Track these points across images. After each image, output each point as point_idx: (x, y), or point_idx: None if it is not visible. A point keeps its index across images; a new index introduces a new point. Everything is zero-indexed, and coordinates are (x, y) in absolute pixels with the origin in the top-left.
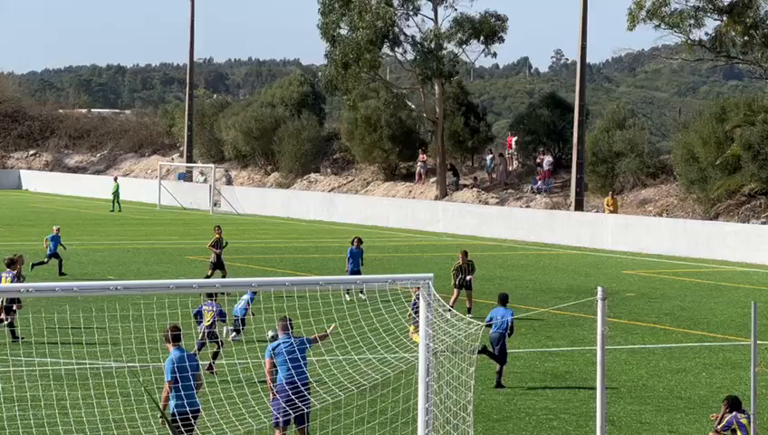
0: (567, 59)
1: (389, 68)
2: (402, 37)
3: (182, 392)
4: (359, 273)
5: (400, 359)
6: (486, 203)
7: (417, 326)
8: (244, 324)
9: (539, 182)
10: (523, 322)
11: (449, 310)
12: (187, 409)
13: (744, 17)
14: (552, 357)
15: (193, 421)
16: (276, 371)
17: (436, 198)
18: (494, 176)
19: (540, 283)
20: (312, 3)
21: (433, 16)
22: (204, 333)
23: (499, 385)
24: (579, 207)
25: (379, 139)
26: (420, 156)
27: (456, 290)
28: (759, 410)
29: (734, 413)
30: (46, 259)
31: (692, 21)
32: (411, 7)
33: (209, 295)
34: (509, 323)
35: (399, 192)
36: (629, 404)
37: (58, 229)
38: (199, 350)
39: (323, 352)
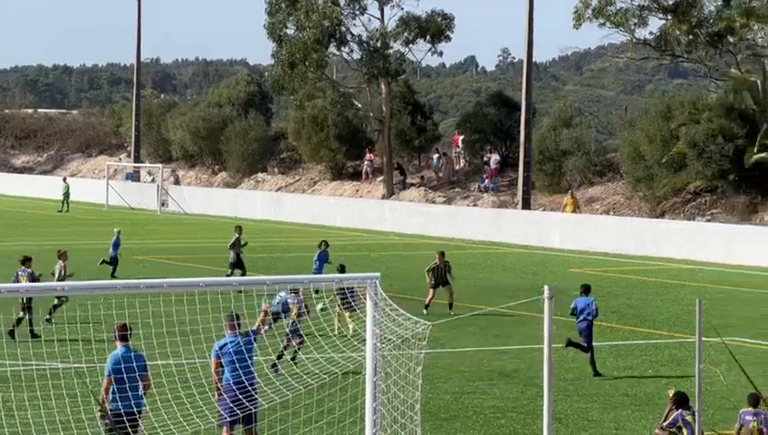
0: (514, 57)
1: (336, 67)
2: (349, 37)
3: (126, 392)
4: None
5: (348, 358)
6: (433, 202)
7: (344, 313)
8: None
9: (486, 181)
10: (470, 320)
11: (396, 309)
12: (133, 409)
13: (688, 16)
14: (500, 355)
15: (138, 421)
16: (223, 370)
17: (383, 198)
18: (441, 175)
19: (487, 281)
20: (258, 3)
21: (379, 15)
22: (290, 324)
23: (597, 374)
24: (526, 205)
25: (325, 138)
26: (367, 155)
27: (431, 290)
28: (704, 407)
29: (680, 410)
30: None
31: (637, 20)
32: (358, 7)
33: (294, 291)
34: (594, 310)
35: (346, 191)
36: (576, 402)
37: (119, 231)
38: (286, 347)
39: (271, 352)
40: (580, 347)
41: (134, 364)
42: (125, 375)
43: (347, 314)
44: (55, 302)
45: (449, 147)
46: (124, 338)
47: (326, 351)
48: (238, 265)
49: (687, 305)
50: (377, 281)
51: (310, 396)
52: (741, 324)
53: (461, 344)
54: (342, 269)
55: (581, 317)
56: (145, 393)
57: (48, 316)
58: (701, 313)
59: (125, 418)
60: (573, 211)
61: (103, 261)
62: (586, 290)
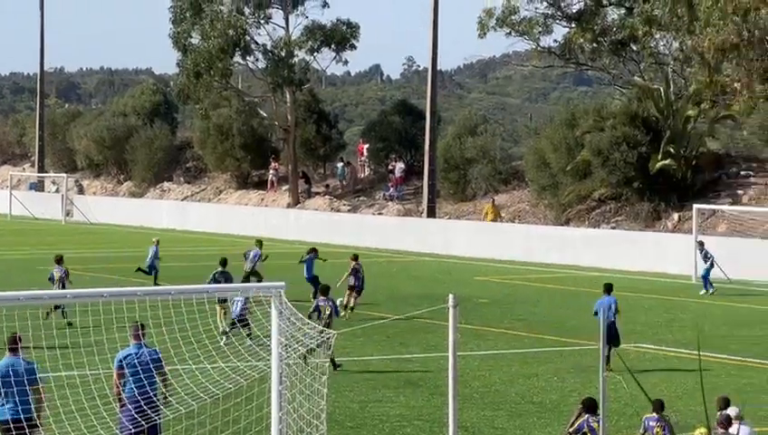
0: (419, 66)
1: (241, 76)
2: (254, 46)
3: (15, 400)
4: (314, 280)
5: (253, 367)
6: (338, 210)
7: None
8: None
9: (391, 189)
10: (375, 329)
11: (300, 318)
12: (20, 416)
13: (592, 25)
14: (406, 364)
15: (26, 430)
16: (125, 381)
17: (289, 206)
18: (345, 183)
19: (392, 290)
20: (163, 12)
21: (284, 24)
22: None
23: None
24: (431, 213)
25: (231, 147)
26: (272, 164)
27: (349, 292)
28: (609, 413)
29: (586, 416)
30: (148, 269)
31: (541, 28)
32: (262, 15)
33: (324, 292)
34: (615, 308)
35: (252, 200)
36: (482, 410)
37: (157, 241)
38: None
39: (176, 362)
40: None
41: (24, 377)
42: (18, 384)
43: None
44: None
45: (354, 155)
46: (14, 349)
47: (231, 360)
48: (255, 277)
49: (592, 313)
50: (281, 290)
51: (215, 406)
52: (645, 331)
53: (367, 353)
54: (609, 289)
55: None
56: (40, 403)
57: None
58: (605, 320)
59: (11, 425)
60: (494, 220)
61: (140, 269)
62: (608, 289)
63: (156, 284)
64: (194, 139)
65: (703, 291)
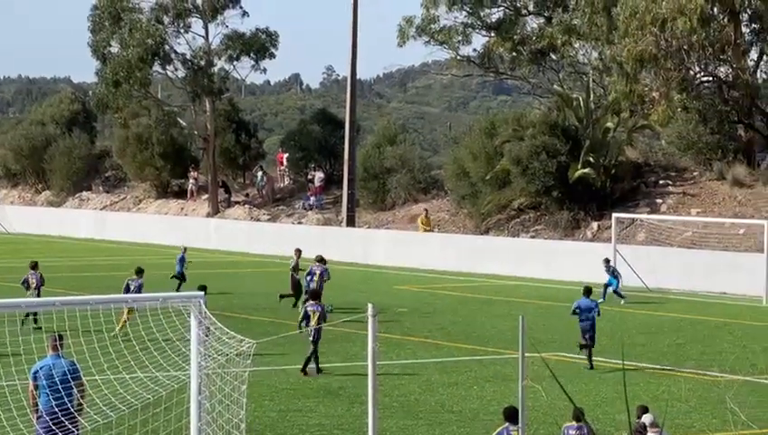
0: (338, 75)
1: (161, 85)
2: (173, 55)
3: None
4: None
5: (172, 377)
6: (258, 220)
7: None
8: None
9: (310, 198)
10: (294, 338)
11: (220, 327)
12: None
13: (511, 34)
14: (325, 373)
15: None
16: (41, 392)
17: (208, 215)
18: (263, 193)
19: None
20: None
21: (204, 33)
22: (313, 332)
23: (591, 367)
24: (350, 222)
25: (150, 156)
26: (192, 173)
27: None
28: (528, 422)
29: (506, 425)
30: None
31: (461, 37)
32: (182, 25)
33: (314, 297)
34: (597, 310)
35: (172, 209)
36: (402, 419)
37: (184, 249)
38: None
39: (94, 372)
40: (586, 347)
41: None
42: None
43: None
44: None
45: (274, 165)
46: None
47: (150, 370)
48: (296, 287)
49: (512, 321)
50: (201, 300)
51: (134, 416)
52: (563, 339)
53: (286, 362)
54: (588, 292)
55: (584, 317)
56: None
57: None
58: (524, 329)
59: None
60: (426, 230)
61: (174, 276)
62: (587, 292)
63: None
64: (113, 148)
65: (601, 300)
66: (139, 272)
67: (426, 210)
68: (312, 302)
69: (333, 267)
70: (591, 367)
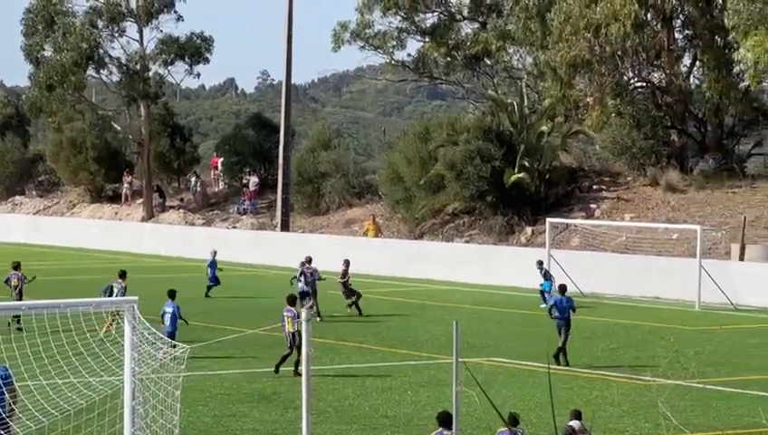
0: (273, 79)
1: (95, 90)
2: (107, 59)
3: None
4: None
5: (106, 383)
6: (193, 224)
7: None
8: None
9: (245, 203)
10: (229, 343)
11: (154, 333)
12: None
13: (446, 39)
14: (260, 378)
15: None
16: None
17: (143, 220)
18: (197, 197)
19: (247, 303)
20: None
21: (138, 38)
22: (288, 338)
23: (567, 363)
24: (285, 227)
25: (84, 160)
26: (126, 177)
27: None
28: (462, 427)
29: (440, 429)
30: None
31: (396, 42)
32: (116, 29)
33: (290, 302)
34: (572, 307)
35: (106, 214)
36: (336, 424)
37: (214, 253)
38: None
39: (26, 378)
40: (562, 348)
41: None
42: None
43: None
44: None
45: (209, 169)
46: None
47: (83, 375)
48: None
49: (446, 326)
50: (134, 305)
51: (67, 422)
52: (498, 344)
53: (220, 367)
54: (564, 290)
55: (560, 315)
56: None
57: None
58: (458, 334)
59: None
60: (375, 236)
61: (211, 284)
62: (563, 290)
63: (207, 295)
64: (47, 152)
65: (543, 305)
66: (122, 275)
67: (373, 216)
68: (288, 307)
69: (267, 272)
70: (567, 363)
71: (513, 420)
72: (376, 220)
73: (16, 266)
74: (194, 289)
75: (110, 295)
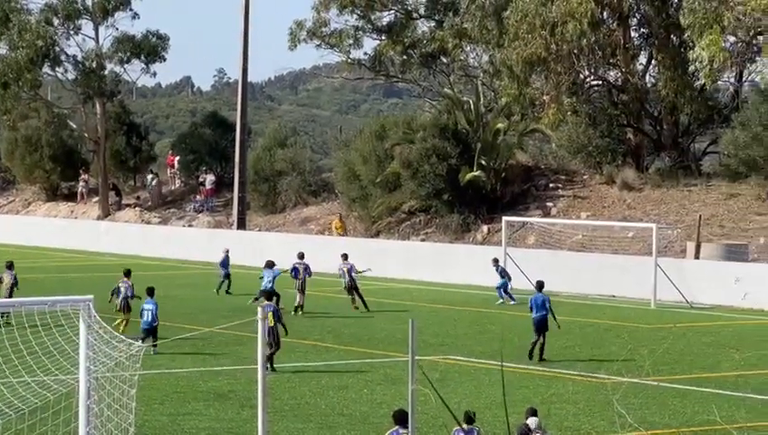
0: (229, 78)
1: (51, 87)
2: (63, 57)
3: None
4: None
5: (61, 382)
6: (149, 222)
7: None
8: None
9: (201, 201)
10: (185, 341)
11: (110, 331)
12: None
13: (402, 37)
14: (216, 376)
15: None
16: None
17: (99, 218)
18: (152, 195)
19: (203, 302)
20: None
21: (94, 36)
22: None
23: (542, 360)
24: (241, 225)
25: (40, 159)
26: (82, 176)
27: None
28: (418, 425)
29: (396, 428)
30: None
31: (352, 40)
32: (72, 26)
33: (268, 298)
34: (548, 305)
35: (62, 212)
36: (292, 422)
37: (226, 251)
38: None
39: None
40: (537, 344)
41: None
42: None
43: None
44: None
45: (165, 167)
46: None
47: (38, 374)
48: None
49: (402, 324)
50: (90, 303)
51: (21, 421)
52: (454, 343)
53: (176, 365)
54: (541, 287)
55: (537, 311)
56: None
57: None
58: (414, 332)
59: None
60: (341, 235)
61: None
62: (540, 287)
63: (227, 292)
64: (1, 150)
65: (500, 301)
66: (127, 274)
67: (339, 214)
68: (266, 302)
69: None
70: (542, 358)
71: (468, 419)
72: (343, 218)
73: (10, 266)
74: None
75: (118, 296)
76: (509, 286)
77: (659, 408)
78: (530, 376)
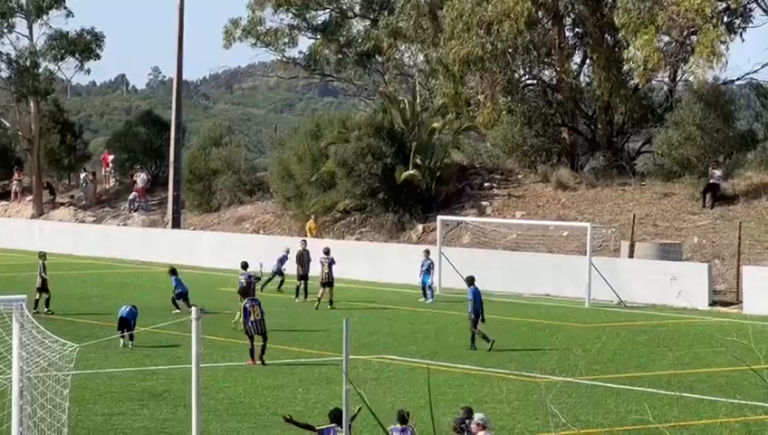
0: (164, 76)
1: None
2: None
3: None
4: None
5: None
6: (83, 221)
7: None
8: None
9: (135, 200)
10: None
11: (43, 331)
12: None
13: (337, 36)
14: (150, 376)
15: None
16: None
17: (33, 217)
18: (86, 194)
19: (138, 301)
20: None
21: (28, 34)
22: (252, 328)
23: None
24: (176, 224)
25: None
26: (16, 174)
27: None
28: (354, 424)
29: (333, 425)
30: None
31: (287, 39)
32: (5, 25)
33: (245, 294)
34: (480, 297)
35: None
36: (227, 422)
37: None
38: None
39: None
40: (486, 337)
41: None
42: None
43: None
44: None
45: (100, 166)
46: None
47: None
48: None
49: (337, 323)
50: (23, 303)
51: None
52: (389, 342)
53: (110, 365)
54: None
55: (477, 302)
56: None
57: None
58: (348, 332)
59: None
60: (316, 236)
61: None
62: (471, 281)
63: (279, 290)
64: None
65: (429, 300)
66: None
67: (315, 215)
68: (249, 298)
69: (158, 269)
70: (490, 341)
71: (402, 418)
72: (317, 220)
73: None
74: (84, 286)
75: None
76: (430, 284)
77: (593, 407)
78: (464, 375)
